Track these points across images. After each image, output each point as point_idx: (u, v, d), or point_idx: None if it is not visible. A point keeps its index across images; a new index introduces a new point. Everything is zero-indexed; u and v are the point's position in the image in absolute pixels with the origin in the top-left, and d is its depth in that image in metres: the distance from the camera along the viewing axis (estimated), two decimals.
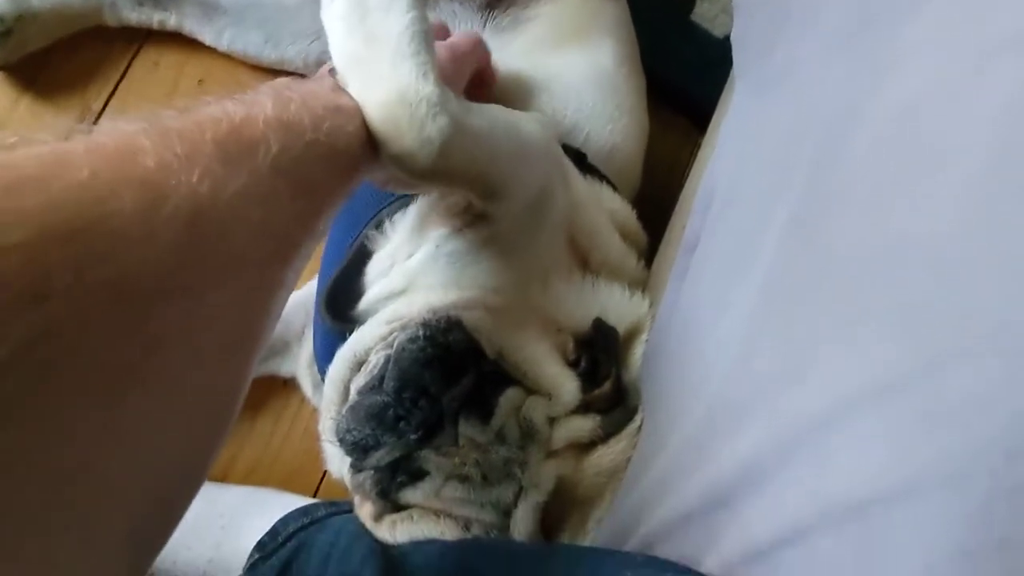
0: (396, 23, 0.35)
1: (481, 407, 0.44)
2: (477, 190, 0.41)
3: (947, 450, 0.28)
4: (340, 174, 0.32)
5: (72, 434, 0.19)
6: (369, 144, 0.33)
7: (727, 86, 0.62)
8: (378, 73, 0.34)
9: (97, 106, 0.75)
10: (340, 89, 0.34)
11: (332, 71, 0.36)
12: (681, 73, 0.78)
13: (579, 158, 0.58)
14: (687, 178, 0.66)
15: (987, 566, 0.27)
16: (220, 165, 0.24)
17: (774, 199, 0.41)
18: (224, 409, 0.27)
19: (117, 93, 0.75)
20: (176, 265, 0.22)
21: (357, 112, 0.33)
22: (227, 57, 0.75)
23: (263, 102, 0.28)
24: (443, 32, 0.52)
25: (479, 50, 0.50)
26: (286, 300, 0.30)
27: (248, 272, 0.26)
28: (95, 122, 0.74)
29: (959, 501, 0.27)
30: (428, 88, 0.34)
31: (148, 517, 0.24)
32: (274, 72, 0.76)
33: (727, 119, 0.57)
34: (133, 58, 0.75)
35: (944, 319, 0.29)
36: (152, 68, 0.76)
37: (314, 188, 0.29)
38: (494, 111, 0.44)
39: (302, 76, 0.75)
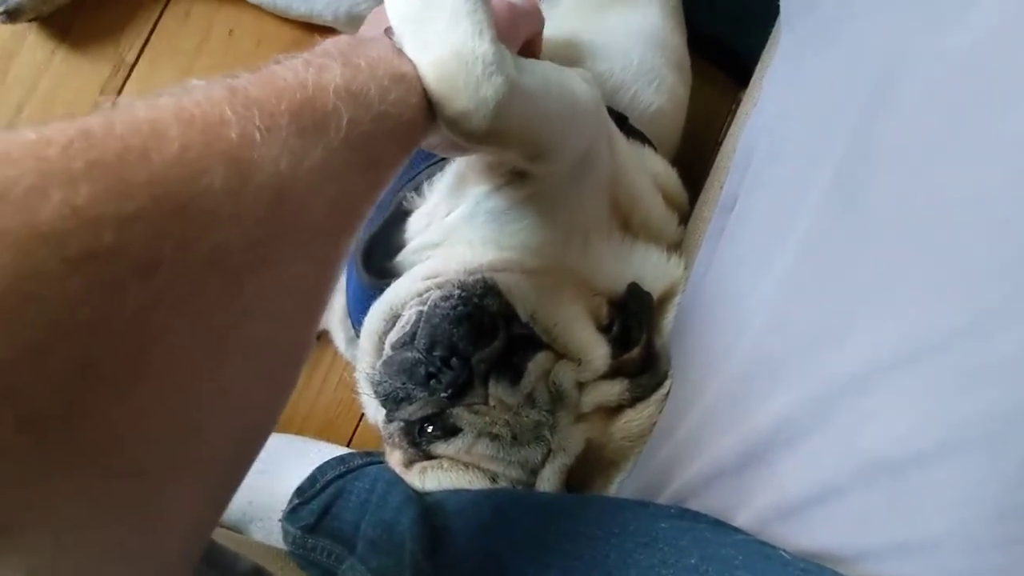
0: None
1: (511, 370, 0.45)
2: (528, 152, 0.41)
3: (985, 410, 0.28)
4: (404, 145, 0.32)
5: (181, 395, 0.21)
6: (428, 110, 0.34)
7: (771, 39, 0.60)
8: (434, 31, 0.34)
9: (131, 57, 0.75)
10: (400, 53, 0.34)
11: (388, 31, 0.35)
12: (720, 24, 0.76)
13: (620, 120, 0.57)
14: (725, 135, 0.64)
15: (1022, 527, 0.27)
16: (297, 138, 0.25)
17: (818, 156, 0.40)
18: (296, 366, 0.28)
19: (150, 44, 0.75)
20: (261, 241, 0.23)
21: (418, 81, 0.33)
22: (257, 8, 0.74)
23: (332, 68, 0.28)
24: None
25: (536, 15, 0.49)
26: (346, 263, 0.31)
27: (322, 243, 0.27)
28: (129, 74, 0.75)
29: (996, 462, 0.27)
30: (484, 47, 0.34)
31: (236, 463, 0.27)
32: (301, 25, 0.75)
33: (770, 73, 0.55)
34: (164, 9, 0.75)
35: (988, 277, 0.28)
36: (183, 19, 0.75)
37: (380, 161, 0.30)
38: (547, 69, 0.43)
39: (331, 30, 0.74)
